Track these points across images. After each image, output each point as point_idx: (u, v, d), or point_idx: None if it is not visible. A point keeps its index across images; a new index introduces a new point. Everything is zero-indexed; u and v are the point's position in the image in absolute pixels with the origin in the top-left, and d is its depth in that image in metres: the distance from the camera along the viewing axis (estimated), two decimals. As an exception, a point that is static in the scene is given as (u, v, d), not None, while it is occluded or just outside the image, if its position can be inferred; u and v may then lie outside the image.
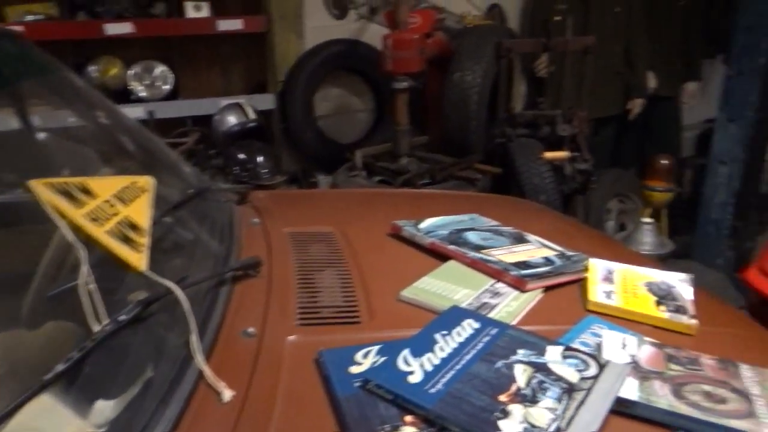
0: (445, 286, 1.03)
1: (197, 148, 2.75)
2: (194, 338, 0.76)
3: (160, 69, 2.99)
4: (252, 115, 2.94)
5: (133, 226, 0.87)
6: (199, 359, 0.75)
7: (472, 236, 1.25)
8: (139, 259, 0.82)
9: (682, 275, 1.10)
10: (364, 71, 3.42)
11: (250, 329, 0.87)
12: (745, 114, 2.88)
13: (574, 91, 2.87)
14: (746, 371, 0.80)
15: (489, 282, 1.06)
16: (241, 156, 2.65)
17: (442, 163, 2.65)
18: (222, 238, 1.15)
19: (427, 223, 1.31)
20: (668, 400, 0.72)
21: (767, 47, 2.74)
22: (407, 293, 1.01)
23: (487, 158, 2.75)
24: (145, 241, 0.86)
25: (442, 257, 1.16)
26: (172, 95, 3.03)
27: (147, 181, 1.00)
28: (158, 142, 1.49)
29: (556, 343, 0.82)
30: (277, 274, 1.06)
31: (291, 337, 0.87)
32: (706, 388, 0.75)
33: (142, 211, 0.92)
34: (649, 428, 0.71)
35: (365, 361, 0.79)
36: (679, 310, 0.98)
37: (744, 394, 0.74)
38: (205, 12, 3.00)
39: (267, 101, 3.22)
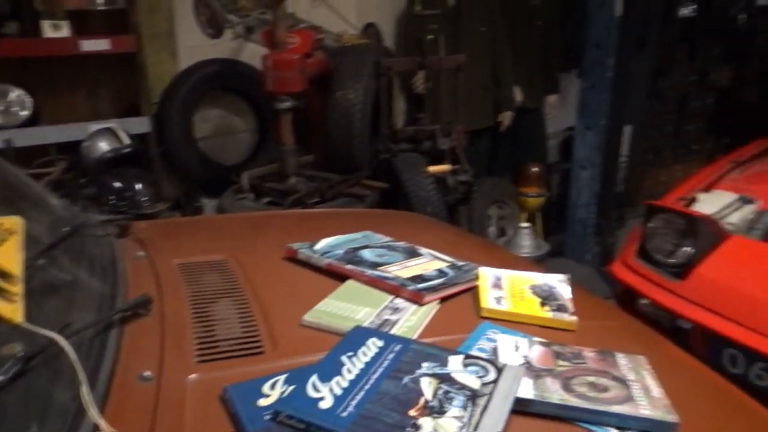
0: (346, 307, 1.04)
1: (65, 178, 2.55)
2: (85, 390, 0.71)
3: (15, 93, 2.74)
4: (126, 140, 2.77)
5: (3, 274, 0.79)
6: (93, 412, 0.69)
7: (367, 254, 1.28)
8: (13, 311, 0.74)
9: (561, 276, 1.20)
10: (243, 91, 3.36)
11: (146, 373, 0.82)
12: (600, 122, 3.20)
13: (450, 106, 3.02)
14: (621, 359, 0.89)
15: (388, 298, 1.09)
16: (117, 184, 2.49)
17: (330, 181, 2.67)
18: (105, 276, 1.07)
19: (321, 243, 1.32)
20: (560, 394, 0.79)
21: (613, 63, 3.07)
22: (309, 317, 1.00)
23: (374, 174, 2.81)
24: (18, 289, 0.78)
25: (341, 277, 1.17)
26: (31, 121, 2.78)
27: (14, 222, 0.91)
28: (19, 175, 1.36)
29: (456, 352, 0.86)
30: (170, 310, 1.02)
31: (192, 376, 0.83)
32: (590, 379, 0.83)
33: (11, 257, 0.84)
34: (545, 423, 0.77)
35: (273, 392, 0.77)
36: (561, 308, 1.07)
37: (622, 381, 0.83)
38: (65, 32, 2.80)
39: (141, 124, 3.05)
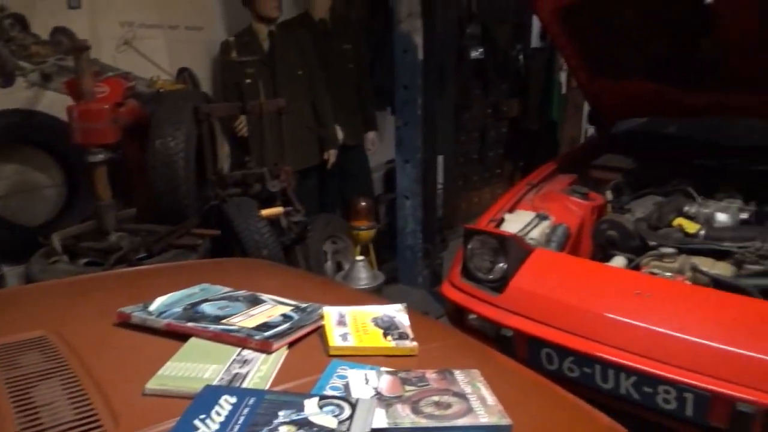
0: (192, 367, 1.01)
1: None
2: None
3: None
4: None
5: None
6: None
7: (207, 308, 1.24)
8: None
9: (398, 306, 1.28)
10: (44, 143, 3.05)
11: (-38, 482, 0.72)
12: (416, 156, 3.47)
13: (276, 148, 3.06)
14: (459, 375, 0.99)
15: (235, 351, 1.07)
16: None
17: (156, 234, 2.52)
18: None
19: (157, 303, 1.25)
20: (410, 418, 0.85)
21: (422, 102, 3.37)
22: (153, 385, 0.95)
23: (204, 222, 2.72)
24: None
25: (182, 337, 1.13)
26: None
27: None
28: None
29: (310, 395, 0.88)
30: (-17, 403, 0.90)
31: (21, 475, 0.74)
32: (435, 398, 0.91)
33: None
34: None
35: (122, 473, 0.73)
36: (402, 336, 1.15)
37: (462, 396, 0.92)
38: None
39: None
